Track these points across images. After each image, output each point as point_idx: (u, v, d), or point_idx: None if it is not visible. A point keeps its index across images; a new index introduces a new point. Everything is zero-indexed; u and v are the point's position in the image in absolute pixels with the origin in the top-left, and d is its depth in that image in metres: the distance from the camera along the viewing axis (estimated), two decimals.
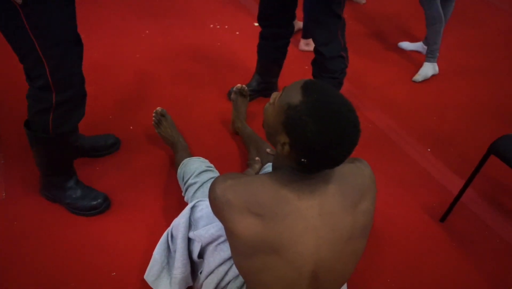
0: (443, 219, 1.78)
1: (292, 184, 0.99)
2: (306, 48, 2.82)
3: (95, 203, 1.66)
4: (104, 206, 1.68)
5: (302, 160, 0.93)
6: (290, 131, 0.92)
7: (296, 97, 0.92)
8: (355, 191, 1.03)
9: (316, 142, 0.89)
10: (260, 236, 0.98)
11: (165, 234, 1.41)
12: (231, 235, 1.03)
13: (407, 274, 1.58)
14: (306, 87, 0.93)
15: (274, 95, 1.01)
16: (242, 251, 1.03)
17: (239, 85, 2.06)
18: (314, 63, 1.97)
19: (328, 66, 1.90)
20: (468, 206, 1.85)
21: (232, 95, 2.08)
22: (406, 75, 2.71)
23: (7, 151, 1.92)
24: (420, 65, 2.73)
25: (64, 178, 1.67)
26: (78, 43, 1.45)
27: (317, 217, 0.99)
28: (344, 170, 1.06)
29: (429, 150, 2.16)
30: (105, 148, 1.91)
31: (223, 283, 1.29)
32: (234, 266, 1.27)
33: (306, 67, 2.58)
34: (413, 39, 3.06)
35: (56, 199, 1.70)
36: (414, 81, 2.66)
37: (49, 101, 1.39)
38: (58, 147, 1.56)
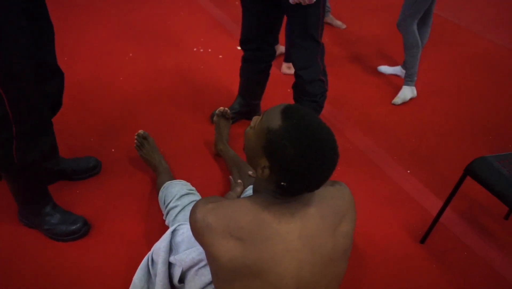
0: (423, 240, 1.80)
1: (272, 207, 1.00)
2: (288, 71, 2.87)
3: (74, 227, 1.64)
4: (83, 230, 1.66)
5: (282, 183, 0.94)
6: (270, 155, 0.94)
7: (276, 122, 0.94)
8: (335, 214, 1.05)
9: (295, 166, 0.91)
10: (241, 260, 0.98)
11: (145, 258, 1.39)
12: (212, 259, 1.02)
13: None
14: (286, 112, 0.95)
15: (255, 119, 1.03)
16: (223, 275, 1.03)
17: (221, 108, 2.08)
18: (294, 86, 2.01)
19: (308, 89, 1.93)
20: (447, 227, 1.88)
21: (215, 118, 2.10)
22: (386, 98, 2.78)
23: None
24: (399, 88, 2.80)
25: (40, 205, 1.64)
26: (55, 73, 1.45)
27: (297, 240, 1.00)
28: (324, 193, 1.07)
29: (408, 171, 2.19)
30: (86, 170, 1.89)
31: None
32: None
33: (289, 90, 2.62)
34: (392, 63, 3.14)
35: (33, 225, 1.67)
36: (394, 104, 2.72)
37: (8, 132, 1.36)
38: (28, 177, 1.53)
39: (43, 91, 1.43)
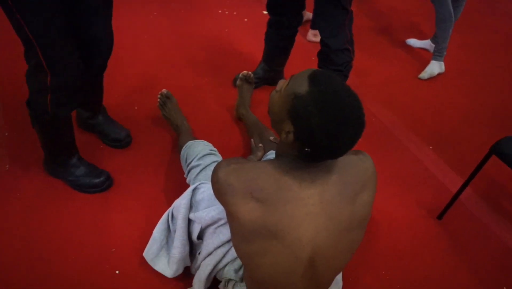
0: (440, 216, 1.79)
1: (294, 171, 1.00)
2: (314, 39, 2.82)
3: (97, 180, 1.68)
4: (106, 184, 1.70)
5: (306, 149, 0.94)
6: (295, 120, 0.93)
7: (303, 87, 0.92)
8: (356, 182, 1.05)
9: (320, 133, 0.90)
10: (261, 221, 0.99)
11: (165, 214, 1.43)
12: (232, 219, 1.04)
13: (401, 268, 1.61)
14: (313, 77, 0.93)
15: (281, 82, 1.02)
16: (242, 235, 1.05)
17: (245, 71, 2.06)
18: (319, 54, 1.97)
19: (334, 58, 1.89)
20: (466, 205, 1.87)
21: (238, 82, 2.09)
22: (412, 72, 2.71)
23: (11, 123, 1.93)
24: (427, 63, 2.73)
25: (67, 156, 1.68)
26: (96, 39, 1.47)
27: (317, 204, 1.00)
28: (347, 161, 1.07)
29: (431, 147, 2.17)
30: (115, 140, 1.89)
31: (220, 265, 1.31)
32: (232, 249, 1.29)
33: (313, 58, 2.58)
34: (421, 37, 3.05)
35: (59, 176, 1.71)
36: (420, 79, 2.66)
37: (44, 82, 1.39)
38: (59, 128, 1.57)
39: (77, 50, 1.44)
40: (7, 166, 1.74)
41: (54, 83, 1.39)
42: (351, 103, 0.92)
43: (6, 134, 1.88)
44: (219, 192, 1.03)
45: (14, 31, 1.33)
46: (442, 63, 2.69)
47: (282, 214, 0.99)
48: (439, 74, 2.70)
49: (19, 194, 1.65)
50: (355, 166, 1.07)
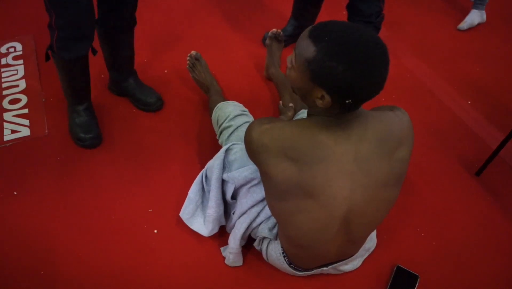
0: (479, 172, 1.74)
1: (329, 129, 0.98)
2: None
3: (83, 136, 1.72)
4: (89, 142, 1.73)
5: (347, 101, 0.91)
6: (323, 82, 0.90)
7: (310, 49, 0.89)
8: (393, 139, 1.02)
9: (351, 78, 0.87)
10: (295, 180, 0.99)
11: (199, 175, 1.45)
12: (266, 178, 1.04)
13: (437, 225, 1.59)
14: (314, 34, 0.90)
15: (289, 58, 0.99)
16: (276, 194, 1.05)
17: (274, 30, 2.01)
18: (348, 6, 1.89)
19: (361, 8, 1.80)
20: (506, 161, 1.80)
21: (267, 41, 2.04)
22: (450, 23, 2.57)
23: (49, 89, 1.97)
24: (467, 13, 2.57)
25: (74, 100, 1.75)
26: None
27: (353, 162, 0.99)
28: (382, 117, 1.04)
29: (469, 102, 2.08)
30: (148, 104, 1.91)
31: (254, 224, 1.33)
32: (266, 208, 1.31)
33: (344, 12, 2.48)
34: None
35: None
36: (459, 30, 2.52)
37: (51, 18, 1.43)
38: (67, 69, 1.61)
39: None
40: (46, 130, 1.80)
41: (57, 23, 1.42)
42: (361, 36, 0.88)
43: (44, 100, 1.93)
44: (253, 152, 1.03)
45: None
46: (484, 12, 2.52)
47: (317, 172, 0.98)
48: (479, 24, 2.54)
49: (59, 158, 1.71)
50: (391, 121, 1.04)
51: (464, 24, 2.51)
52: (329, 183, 0.99)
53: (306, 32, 0.92)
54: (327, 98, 0.92)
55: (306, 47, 0.90)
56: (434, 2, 2.75)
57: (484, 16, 2.54)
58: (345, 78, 0.87)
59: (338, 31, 0.88)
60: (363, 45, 0.87)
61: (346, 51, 0.86)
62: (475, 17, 2.51)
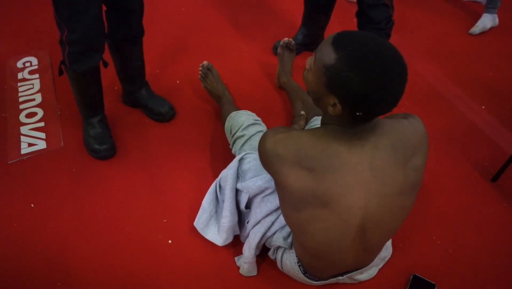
0: (495, 178, 1.72)
1: (343, 138, 0.98)
2: None
3: (97, 147, 1.74)
4: (104, 154, 1.75)
5: (357, 113, 0.91)
6: (337, 91, 0.90)
7: (330, 56, 0.89)
8: (407, 147, 1.01)
9: (366, 92, 0.87)
10: (310, 189, 0.99)
11: (213, 184, 1.45)
12: (281, 188, 1.05)
13: (454, 232, 1.57)
14: (336, 42, 0.89)
15: (309, 60, 0.99)
16: (291, 203, 1.05)
17: (286, 39, 2.02)
18: (358, 14, 1.89)
19: (371, 15, 1.81)
20: None
21: (279, 50, 2.05)
22: (462, 27, 2.55)
23: (63, 102, 2.01)
24: (478, 17, 2.55)
25: (88, 113, 1.77)
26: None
27: (368, 171, 0.99)
28: (396, 124, 1.03)
29: (483, 106, 2.06)
30: (160, 114, 1.92)
31: (269, 233, 1.33)
32: (280, 217, 1.31)
33: (354, 19, 2.48)
34: None
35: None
36: (471, 34, 2.50)
37: (62, 32, 1.46)
38: (80, 82, 1.64)
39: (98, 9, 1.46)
40: (62, 143, 1.83)
41: (68, 38, 1.45)
42: (383, 51, 0.87)
43: (59, 113, 1.96)
44: (267, 162, 1.03)
45: None
46: (496, 16, 2.50)
47: (332, 182, 0.98)
48: (491, 28, 2.52)
49: (74, 169, 1.73)
50: (405, 129, 1.03)
51: (476, 29, 2.49)
52: (344, 192, 0.99)
53: (330, 38, 0.92)
54: (339, 107, 0.92)
55: (327, 53, 0.90)
56: (445, 6, 2.74)
57: (496, 20, 2.52)
58: (359, 90, 0.87)
59: (362, 42, 0.88)
60: (384, 61, 0.86)
61: (365, 64, 0.86)
62: (487, 21, 2.49)
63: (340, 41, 0.89)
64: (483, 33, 2.51)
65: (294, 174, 0.98)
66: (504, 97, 2.11)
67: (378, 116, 0.95)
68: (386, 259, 1.43)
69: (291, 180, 0.99)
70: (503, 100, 2.09)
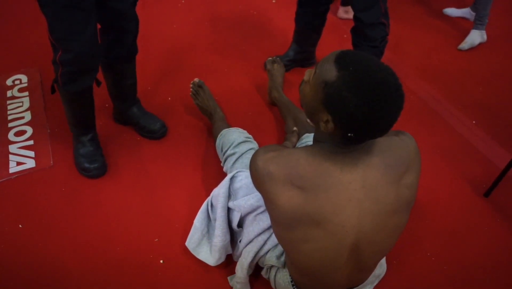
0: (487, 193, 1.72)
1: (334, 156, 0.97)
2: (345, 16, 2.73)
3: (87, 166, 1.72)
4: (94, 172, 1.73)
5: (349, 134, 0.91)
6: (332, 108, 0.90)
7: (331, 73, 0.88)
8: (400, 164, 1.01)
9: (361, 115, 0.87)
10: (302, 209, 0.98)
11: (205, 203, 1.44)
12: (273, 208, 1.03)
13: (448, 248, 1.56)
14: (340, 60, 0.89)
15: (308, 73, 0.99)
16: (283, 223, 1.04)
17: (270, 58, 2.05)
18: (353, 31, 1.91)
19: (368, 33, 1.83)
20: None
21: (267, 66, 2.07)
22: (451, 43, 2.59)
23: (53, 120, 1.99)
24: (467, 33, 2.59)
25: (79, 131, 1.76)
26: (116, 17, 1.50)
27: (360, 189, 0.98)
28: (388, 142, 1.03)
29: (474, 122, 2.07)
30: (152, 131, 1.91)
31: (262, 252, 1.31)
32: (273, 236, 1.29)
33: (345, 36, 2.51)
34: (460, 5, 2.89)
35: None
36: (460, 50, 2.53)
37: (56, 54, 1.45)
38: (72, 102, 1.64)
39: (93, 30, 1.45)
40: (51, 162, 1.80)
41: (62, 59, 1.44)
42: (385, 76, 0.88)
43: (49, 131, 1.94)
44: (258, 181, 1.02)
45: None
46: (484, 32, 2.54)
47: (324, 201, 0.97)
48: (480, 44, 2.56)
49: (64, 189, 1.70)
50: (397, 147, 1.03)
51: (465, 44, 2.52)
52: (337, 211, 0.98)
53: (333, 55, 0.91)
54: (331, 125, 0.92)
55: (329, 69, 0.89)
56: (434, 23, 2.78)
57: (485, 36, 2.56)
58: (355, 112, 0.86)
59: (365, 65, 0.88)
60: (384, 87, 0.86)
61: (366, 87, 0.86)
62: (475, 37, 2.53)
63: (343, 60, 0.89)
64: (472, 48, 2.54)
65: (286, 193, 0.97)
66: (494, 112, 2.13)
67: (370, 139, 0.95)
68: (381, 276, 1.41)
69: (282, 199, 0.98)
70: (494, 115, 2.11)
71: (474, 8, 2.64)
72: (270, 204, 1.04)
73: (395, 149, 1.02)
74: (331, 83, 0.88)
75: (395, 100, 0.88)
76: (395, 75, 0.90)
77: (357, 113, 0.86)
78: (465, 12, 2.77)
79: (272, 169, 0.98)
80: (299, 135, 1.69)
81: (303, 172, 0.97)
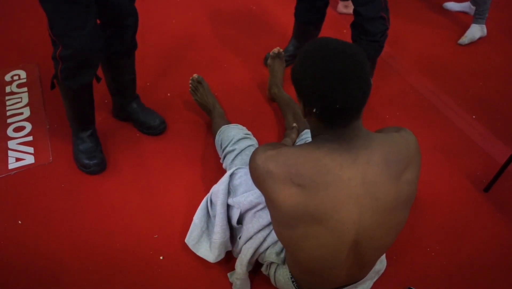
0: (487, 188, 1.72)
1: (334, 153, 0.97)
2: (345, 10, 2.72)
3: (87, 162, 1.72)
4: (93, 168, 1.72)
5: (314, 110, 0.93)
6: (298, 92, 0.96)
7: (296, 63, 0.95)
8: (400, 161, 1.01)
9: (312, 84, 0.90)
10: (302, 206, 0.97)
11: (204, 200, 1.44)
12: (273, 206, 1.03)
13: (448, 244, 1.56)
14: (303, 49, 0.95)
15: None
16: (283, 221, 1.04)
17: (275, 49, 2.02)
18: (353, 25, 1.90)
19: (368, 28, 1.81)
20: None
21: (269, 60, 2.05)
22: (451, 38, 2.57)
23: (53, 116, 1.98)
24: (467, 27, 2.58)
25: (79, 127, 1.75)
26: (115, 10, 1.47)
27: (360, 186, 0.98)
28: (388, 139, 1.03)
29: (474, 116, 2.06)
30: (151, 128, 1.91)
31: (261, 249, 1.31)
32: (272, 232, 1.29)
33: (344, 30, 2.50)
34: None
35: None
36: (460, 44, 2.52)
37: (56, 49, 1.44)
38: (72, 97, 1.63)
39: (93, 25, 1.44)
40: (51, 158, 1.80)
41: (62, 55, 1.44)
42: (339, 49, 0.91)
43: (48, 127, 1.93)
44: (258, 179, 1.02)
45: None
46: (484, 26, 2.53)
47: (324, 198, 0.97)
48: (480, 38, 2.55)
49: (63, 185, 1.70)
50: (397, 143, 1.03)
51: (465, 39, 2.51)
52: (337, 208, 0.98)
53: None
54: (301, 106, 0.97)
55: (295, 62, 0.96)
56: (434, 17, 2.76)
57: (485, 30, 2.54)
58: (310, 86, 0.91)
59: (319, 43, 0.93)
60: (333, 56, 0.90)
61: (313, 59, 0.91)
62: (475, 31, 2.52)
63: (306, 48, 0.95)
64: (472, 43, 2.53)
65: (286, 191, 0.97)
66: (494, 106, 2.12)
67: (345, 120, 0.94)
68: (381, 272, 1.41)
69: (282, 197, 0.98)
70: (493, 110, 2.10)
71: (474, 2, 2.62)
72: (270, 203, 1.03)
73: (395, 145, 1.02)
74: (294, 70, 0.95)
75: (348, 70, 0.88)
76: (356, 51, 0.91)
77: (312, 85, 0.90)
78: (465, 6, 2.76)
79: (271, 167, 0.98)
80: (299, 132, 1.69)
81: (302, 170, 0.96)
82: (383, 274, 1.43)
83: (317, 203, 0.96)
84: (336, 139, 0.97)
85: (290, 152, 0.99)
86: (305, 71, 0.91)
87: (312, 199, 0.96)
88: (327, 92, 0.89)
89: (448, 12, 2.80)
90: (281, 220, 1.03)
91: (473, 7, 2.63)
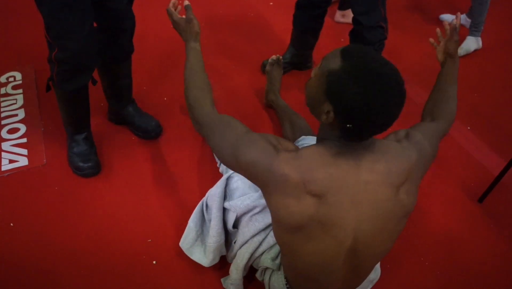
0: (481, 199, 1.73)
1: (340, 158, 0.97)
2: (342, 20, 2.74)
3: (81, 164, 1.70)
4: (88, 171, 1.71)
5: (348, 125, 0.91)
6: (333, 97, 0.91)
7: (336, 63, 0.91)
8: (401, 171, 1.01)
9: (360, 105, 0.87)
10: (310, 213, 0.97)
11: (200, 203, 1.43)
12: (278, 208, 1.02)
13: (442, 253, 1.56)
14: (346, 51, 0.92)
15: (314, 70, 1.00)
16: (287, 226, 1.02)
17: (274, 56, 2.03)
18: (351, 33, 1.91)
19: (367, 36, 1.83)
20: (509, 187, 1.79)
21: (267, 67, 2.05)
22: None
23: (47, 118, 1.97)
24: (462, 39, 2.61)
25: (73, 130, 1.74)
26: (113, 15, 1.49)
27: (362, 192, 0.98)
28: (391, 148, 1.03)
29: (469, 128, 2.08)
30: (147, 131, 1.90)
31: (257, 254, 1.30)
32: (268, 237, 1.29)
33: (342, 39, 2.52)
34: (455, 12, 2.90)
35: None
36: None
37: (52, 52, 1.44)
38: (67, 100, 1.63)
39: (89, 29, 1.44)
40: (45, 160, 1.78)
41: (58, 58, 1.43)
42: (387, 72, 0.90)
43: (43, 129, 1.92)
44: (272, 183, 1.01)
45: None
46: (479, 38, 2.56)
47: (332, 205, 0.97)
48: (475, 51, 2.58)
49: (57, 187, 1.69)
50: (399, 154, 1.03)
51: (461, 51, 2.54)
52: (342, 215, 0.97)
53: (339, 48, 0.94)
54: (331, 116, 0.93)
55: (334, 59, 0.92)
56: (431, 29, 2.78)
57: (480, 43, 2.57)
58: (354, 100, 0.87)
59: (369, 58, 0.90)
60: (385, 80, 0.88)
61: (367, 77, 0.87)
62: (471, 43, 2.55)
63: (349, 51, 0.92)
64: (467, 55, 2.56)
65: (297, 198, 0.96)
66: (489, 119, 2.14)
67: (370, 135, 0.95)
68: (375, 281, 1.41)
69: (293, 203, 0.97)
70: (488, 122, 2.12)
71: (469, 15, 2.66)
72: (276, 209, 1.02)
73: (397, 156, 1.02)
74: (334, 72, 0.90)
75: (394, 94, 0.89)
76: (398, 72, 0.92)
77: (356, 102, 0.87)
78: (460, 19, 2.78)
79: (287, 171, 0.97)
80: (295, 139, 1.69)
81: (317, 175, 0.95)
82: (377, 283, 1.43)
83: (325, 209, 0.96)
84: (343, 145, 0.97)
85: (302, 156, 0.98)
86: (363, 95, 0.86)
87: (323, 206, 0.96)
88: (378, 119, 0.90)
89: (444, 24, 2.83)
90: (284, 225, 1.02)
91: (469, 20, 2.66)
